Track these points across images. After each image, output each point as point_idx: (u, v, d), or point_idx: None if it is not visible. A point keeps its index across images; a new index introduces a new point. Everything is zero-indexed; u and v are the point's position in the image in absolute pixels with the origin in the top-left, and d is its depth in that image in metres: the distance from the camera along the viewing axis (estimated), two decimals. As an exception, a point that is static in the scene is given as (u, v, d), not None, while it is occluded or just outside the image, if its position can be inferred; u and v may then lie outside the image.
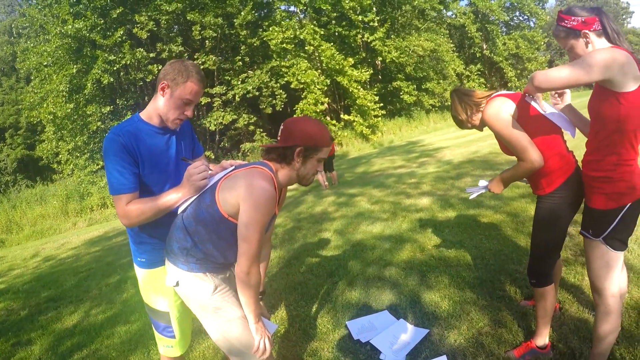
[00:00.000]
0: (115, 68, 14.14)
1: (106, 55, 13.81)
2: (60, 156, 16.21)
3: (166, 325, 1.75)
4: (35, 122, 16.85)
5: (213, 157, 15.90)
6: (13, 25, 19.79)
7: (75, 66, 13.83)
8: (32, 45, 15.42)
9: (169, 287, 1.64)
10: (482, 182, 2.13)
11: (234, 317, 1.56)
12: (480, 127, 2.03)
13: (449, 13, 24.26)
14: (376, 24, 18.00)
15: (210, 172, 1.60)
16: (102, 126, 14.27)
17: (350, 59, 16.66)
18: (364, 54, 19.31)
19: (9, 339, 3.66)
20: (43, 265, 7.02)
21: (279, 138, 1.59)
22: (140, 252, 1.70)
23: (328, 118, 18.69)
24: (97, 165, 14.50)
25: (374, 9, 18.63)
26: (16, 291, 5.40)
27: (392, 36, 19.30)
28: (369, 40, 18.17)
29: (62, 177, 18.01)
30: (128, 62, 14.20)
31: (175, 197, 1.54)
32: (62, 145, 15.68)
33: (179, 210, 1.59)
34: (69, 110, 13.91)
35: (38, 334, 3.62)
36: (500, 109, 1.83)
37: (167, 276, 1.61)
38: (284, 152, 1.55)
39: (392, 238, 4.16)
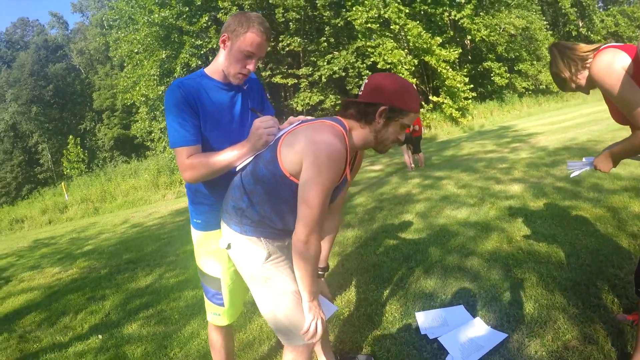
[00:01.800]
0: (202, 52, 14.75)
1: (193, 40, 14.47)
2: (153, 134, 17.49)
3: (216, 291, 1.62)
4: (129, 104, 18.28)
5: None
6: (104, 18, 21.60)
7: (164, 52, 14.68)
8: (122, 35, 16.59)
9: (222, 251, 1.50)
10: (588, 159, 1.76)
11: (286, 291, 1.37)
12: (586, 88, 1.59)
13: (541, -14, 22.06)
14: (463, 1, 16.80)
15: (278, 128, 1.43)
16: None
17: (438, 38, 15.76)
18: (451, 33, 18.16)
19: (85, 293, 3.90)
20: (130, 231, 7.53)
21: (360, 93, 1.40)
22: (197, 214, 1.60)
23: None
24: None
25: None
26: (101, 252, 5.81)
27: (480, 13, 17.90)
28: (456, 18, 17.02)
29: (155, 154, 19.53)
30: (214, 45, 14.74)
31: (238, 153, 1.39)
32: (154, 124, 16.87)
33: (238, 168, 1.42)
34: (160, 92, 14.83)
35: (112, 291, 3.82)
36: (613, 61, 1.41)
37: (221, 238, 1.46)
38: (366, 109, 1.35)
39: (477, 225, 3.72)
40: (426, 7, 16.94)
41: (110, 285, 4.03)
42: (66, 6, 78.51)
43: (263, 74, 16.05)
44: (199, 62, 14.70)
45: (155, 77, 15.07)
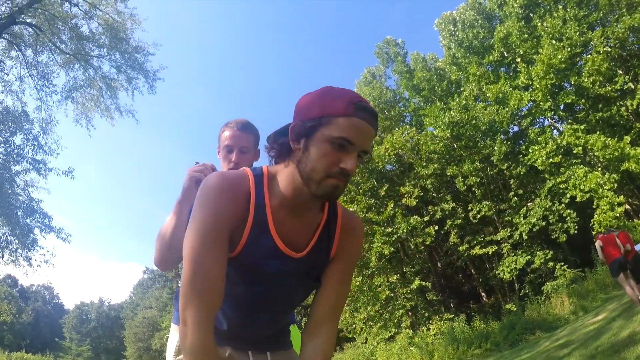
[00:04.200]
0: (393, 239, 14.95)
1: (382, 229, 14.91)
2: (355, 326, 17.25)
3: None
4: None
5: (515, 308, 13.74)
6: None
7: (357, 245, 15.40)
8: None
9: None
10: None
11: None
12: None
13: None
14: (629, 84, 14.29)
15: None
16: (392, 295, 14.67)
17: (627, 137, 13.36)
18: (638, 125, 15.18)
19: None
20: None
21: None
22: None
23: (635, 220, 14.47)
24: (389, 332, 14.62)
25: (619, 70, 14.96)
26: None
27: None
28: (635, 106, 14.30)
29: (356, 346, 19.01)
30: (404, 230, 14.88)
31: (174, 206, 1.50)
32: (356, 315, 16.76)
33: None
34: (357, 283, 15.02)
35: None
36: None
37: None
38: (280, 140, 1.05)
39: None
40: (600, 114, 14.81)
41: None
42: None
43: (460, 248, 15.17)
44: (392, 249, 14.79)
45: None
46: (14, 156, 11.62)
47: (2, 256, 11.58)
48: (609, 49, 14.20)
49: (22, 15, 12.53)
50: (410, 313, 14.47)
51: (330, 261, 1.13)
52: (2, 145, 11.47)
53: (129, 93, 14.75)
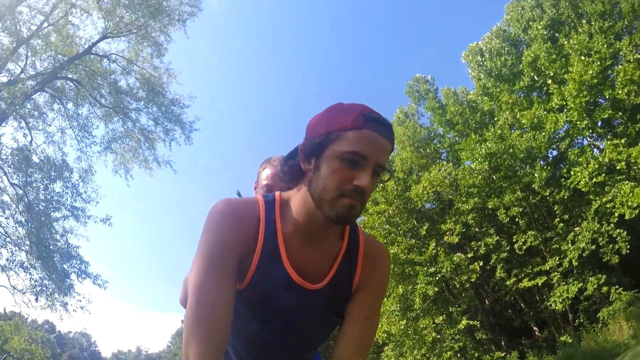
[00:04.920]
0: (437, 278, 15.02)
1: (425, 269, 15.07)
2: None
3: None
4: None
5: (570, 340, 12.91)
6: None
7: (401, 286, 15.64)
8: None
9: None
10: None
11: None
12: None
13: None
14: None
15: None
16: (438, 336, 14.55)
17: None
18: None
19: None
20: None
21: None
22: None
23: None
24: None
25: None
26: None
27: None
28: None
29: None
30: (448, 269, 14.86)
31: None
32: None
33: None
34: (402, 326, 15.10)
35: None
36: None
37: None
38: (290, 162, 1.02)
39: None
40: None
41: None
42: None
43: (508, 282, 14.63)
44: (436, 289, 14.81)
45: (396, 312, 15.77)
46: (54, 203, 11.81)
47: (37, 299, 11.88)
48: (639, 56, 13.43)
49: (64, 71, 13.12)
50: (459, 355, 14.13)
51: (353, 294, 1.03)
52: (42, 192, 11.73)
53: (167, 144, 14.91)
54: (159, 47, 14.90)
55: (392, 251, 15.75)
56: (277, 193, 1.00)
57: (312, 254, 0.98)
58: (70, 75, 13.74)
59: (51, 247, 11.74)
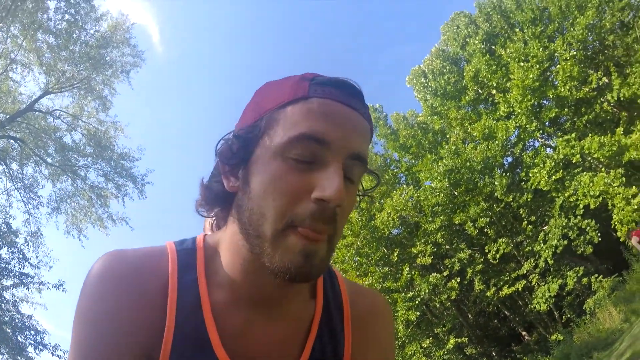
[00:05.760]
0: (417, 302, 14.33)
1: (403, 295, 14.37)
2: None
3: None
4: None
5: (562, 337, 12.63)
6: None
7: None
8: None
9: None
10: None
11: None
12: None
13: None
14: (603, 79, 14.01)
15: None
16: (428, 360, 13.74)
17: (618, 129, 12.81)
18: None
19: None
20: None
21: None
22: None
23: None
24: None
25: (589, 70, 14.60)
26: None
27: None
28: (615, 97, 13.63)
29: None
30: (426, 291, 14.25)
31: None
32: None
33: None
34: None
35: None
36: None
37: None
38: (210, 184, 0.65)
39: None
40: (585, 117, 14.27)
41: None
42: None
43: (488, 293, 14.21)
44: (417, 313, 14.09)
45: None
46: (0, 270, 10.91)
47: (-8, 378, 10.64)
48: (575, 53, 14.03)
49: (6, 128, 12.49)
50: (453, 375, 13.39)
51: None
52: (-14, 260, 10.63)
53: (119, 200, 14.30)
54: (104, 101, 14.54)
55: (366, 282, 15.00)
56: (199, 237, 0.63)
57: (268, 332, 0.60)
58: (12, 134, 13.12)
59: (1, 318, 10.80)
